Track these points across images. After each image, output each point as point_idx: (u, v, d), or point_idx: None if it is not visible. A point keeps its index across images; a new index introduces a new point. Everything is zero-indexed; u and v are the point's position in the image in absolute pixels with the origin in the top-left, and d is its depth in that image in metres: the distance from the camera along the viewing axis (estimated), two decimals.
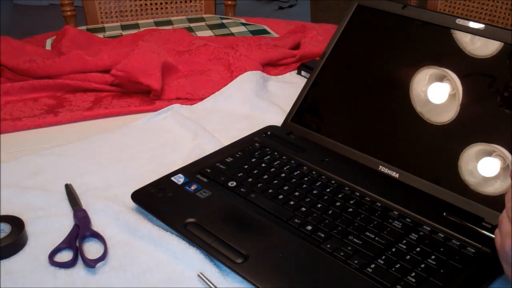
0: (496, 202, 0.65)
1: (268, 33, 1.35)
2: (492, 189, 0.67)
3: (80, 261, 0.63)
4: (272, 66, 1.16)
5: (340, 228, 0.65)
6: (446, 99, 0.73)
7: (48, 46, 1.25)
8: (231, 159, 0.79)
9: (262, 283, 0.58)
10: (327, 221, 0.66)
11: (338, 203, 0.69)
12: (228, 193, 0.72)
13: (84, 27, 1.43)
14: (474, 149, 0.69)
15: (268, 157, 0.79)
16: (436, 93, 0.74)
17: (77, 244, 0.65)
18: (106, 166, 0.81)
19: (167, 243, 0.65)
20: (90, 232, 0.67)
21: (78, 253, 0.64)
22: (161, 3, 1.68)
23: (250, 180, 0.74)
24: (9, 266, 0.63)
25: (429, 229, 0.65)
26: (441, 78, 0.74)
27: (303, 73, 1.12)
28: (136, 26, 1.42)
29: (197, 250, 0.63)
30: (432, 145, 0.73)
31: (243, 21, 1.44)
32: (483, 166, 0.68)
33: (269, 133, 0.86)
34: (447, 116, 0.73)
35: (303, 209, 0.68)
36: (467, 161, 0.69)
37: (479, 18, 1.56)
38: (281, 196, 0.71)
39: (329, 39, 0.87)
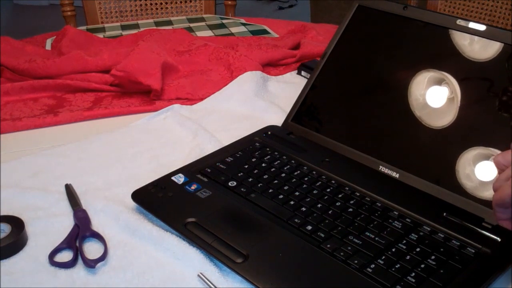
0: None
1: (268, 33, 1.35)
2: (489, 194, 0.66)
3: (80, 261, 0.63)
4: (272, 66, 1.16)
5: (340, 228, 0.65)
6: (445, 103, 0.73)
7: (48, 46, 1.25)
8: (231, 159, 0.79)
9: (262, 283, 0.58)
10: (327, 221, 0.66)
11: (338, 203, 0.69)
12: (228, 193, 0.72)
13: (84, 27, 1.43)
14: (472, 153, 0.69)
15: (268, 157, 0.79)
16: (435, 96, 0.74)
17: (77, 244, 0.65)
18: (106, 166, 0.81)
19: (167, 243, 0.65)
20: (90, 232, 0.67)
21: (78, 253, 0.64)
22: (161, 3, 1.68)
23: (250, 180, 0.74)
24: (9, 266, 0.63)
25: (429, 229, 0.65)
26: (439, 82, 0.74)
27: (303, 73, 1.12)
28: (136, 26, 1.42)
29: (197, 250, 0.63)
30: (431, 148, 0.73)
31: (243, 21, 1.44)
32: (481, 170, 0.68)
33: (269, 133, 0.86)
34: (445, 119, 0.73)
35: (303, 209, 0.68)
36: (465, 164, 0.69)
37: (479, 19, 1.56)
38: (281, 196, 0.71)
39: (329, 39, 0.87)
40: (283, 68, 1.16)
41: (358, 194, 0.71)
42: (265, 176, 0.75)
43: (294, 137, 0.84)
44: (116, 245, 0.66)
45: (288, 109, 0.88)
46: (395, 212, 0.68)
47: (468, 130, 0.71)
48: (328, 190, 0.72)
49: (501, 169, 0.57)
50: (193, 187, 0.73)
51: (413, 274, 0.59)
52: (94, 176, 0.79)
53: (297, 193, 0.71)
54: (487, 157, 0.68)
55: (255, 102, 0.99)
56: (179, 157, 0.83)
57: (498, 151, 0.67)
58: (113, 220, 0.69)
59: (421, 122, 0.74)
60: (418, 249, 0.62)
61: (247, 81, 1.04)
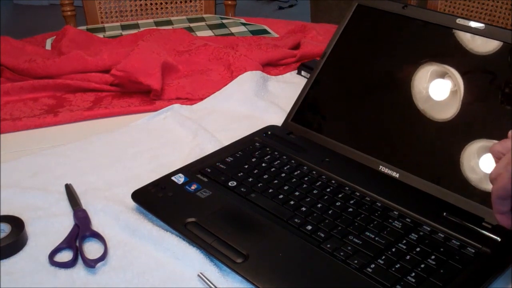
0: None
1: (268, 33, 1.35)
2: (490, 190, 0.66)
3: (80, 261, 0.63)
4: (272, 66, 1.16)
5: (340, 228, 0.65)
6: (448, 96, 0.73)
7: (48, 46, 1.25)
8: (231, 159, 0.79)
9: (262, 283, 0.58)
10: (327, 221, 0.66)
11: (338, 203, 0.69)
12: (228, 193, 0.72)
13: (84, 27, 1.43)
14: (476, 145, 0.69)
15: (268, 157, 0.79)
16: (438, 89, 0.74)
17: (77, 244, 0.65)
18: (106, 166, 0.81)
19: (167, 243, 0.65)
20: (90, 232, 0.67)
21: (78, 253, 0.64)
22: (161, 3, 1.68)
23: (250, 179, 0.74)
24: (9, 266, 0.63)
25: (429, 229, 0.65)
26: (442, 75, 0.74)
27: (303, 73, 1.12)
28: (136, 26, 1.42)
29: (197, 250, 0.63)
30: (433, 142, 0.73)
31: (243, 21, 1.44)
32: (485, 163, 0.68)
33: (269, 133, 0.86)
34: (448, 112, 0.73)
35: (303, 209, 0.68)
36: (469, 157, 0.69)
37: (479, 18, 1.56)
38: (281, 196, 0.71)
39: (329, 39, 0.87)
40: (283, 68, 1.16)
41: (358, 194, 0.71)
42: (265, 176, 0.75)
43: (294, 137, 0.84)
44: (116, 245, 0.66)
45: (288, 109, 0.88)
46: (395, 212, 0.68)
47: (472, 123, 0.71)
48: (328, 190, 0.72)
49: (498, 157, 0.55)
50: (193, 187, 0.73)
51: (413, 274, 0.59)
52: (94, 176, 0.79)
53: (297, 193, 0.71)
54: None
55: (255, 102, 0.99)
56: (179, 157, 0.83)
57: None
58: (113, 220, 0.69)
59: (424, 115, 0.74)
60: (418, 249, 0.62)
61: (247, 81, 1.04)
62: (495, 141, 0.67)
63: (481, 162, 0.69)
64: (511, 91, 0.68)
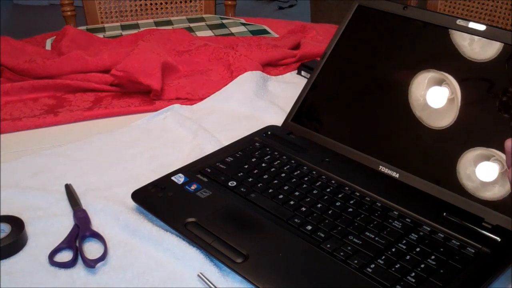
0: (496, 204, 0.65)
1: (268, 33, 1.35)
2: (490, 194, 0.66)
3: (80, 261, 0.63)
4: (272, 66, 1.16)
5: (340, 228, 0.65)
6: (445, 104, 0.73)
7: (48, 46, 1.25)
8: (231, 159, 0.79)
9: (262, 283, 0.58)
10: (327, 221, 0.66)
11: (338, 203, 0.69)
12: (228, 193, 0.72)
13: (84, 27, 1.43)
14: (473, 153, 0.69)
15: (268, 157, 0.79)
16: (435, 97, 0.74)
17: (77, 244, 0.65)
18: (106, 166, 0.81)
19: (167, 243, 0.65)
20: (90, 232, 0.67)
21: (78, 253, 0.64)
22: (161, 3, 1.68)
23: (250, 179, 0.74)
24: (9, 266, 0.63)
25: (429, 229, 0.65)
26: (440, 82, 0.74)
27: (303, 73, 1.12)
28: (136, 26, 1.42)
29: (197, 250, 0.63)
30: (431, 148, 0.73)
31: (243, 21, 1.44)
32: (482, 171, 0.68)
33: (269, 133, 0.86)
34: (446, 120, 0.72)
35: (303, 209, 0.68)
36: (466, 165, 0.69)
37: (479, 18, 1.56)
38: (281, 196, 0.71)
39: (329, 39, 0.87)
40: (283, 68, 1.16)
41: (358, 194, 0.71)
42: (265, 176, 0.75)
43: (294, 137, 0.84)
44: (116, 245, 0.66)
45: (288, 109, 0.88)
46: (395, 212, 0.68)
47: (469, 131, 0.71)
48: (328, 190, 0.72)
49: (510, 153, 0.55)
50: (193, 187, 0.73)
51: (413, 274, 0.59)
52: (94, 176, 0.79)
53: (297, 193, 0.71)
54: (487, 158, 0.68)
55: (255, 102, 0.99)
56: (179, 157, 0.83)
57: (499, 152, 0.67)
58: (113, 220, 0.69)
59: (422, 122, 0.74)
60: (418, 249, 0.62)
61: (247, 81, 1.04)
62: (493, 150, 0.67)
63: (479, 168, 0.68)
64: (509, 99, 0.68)
